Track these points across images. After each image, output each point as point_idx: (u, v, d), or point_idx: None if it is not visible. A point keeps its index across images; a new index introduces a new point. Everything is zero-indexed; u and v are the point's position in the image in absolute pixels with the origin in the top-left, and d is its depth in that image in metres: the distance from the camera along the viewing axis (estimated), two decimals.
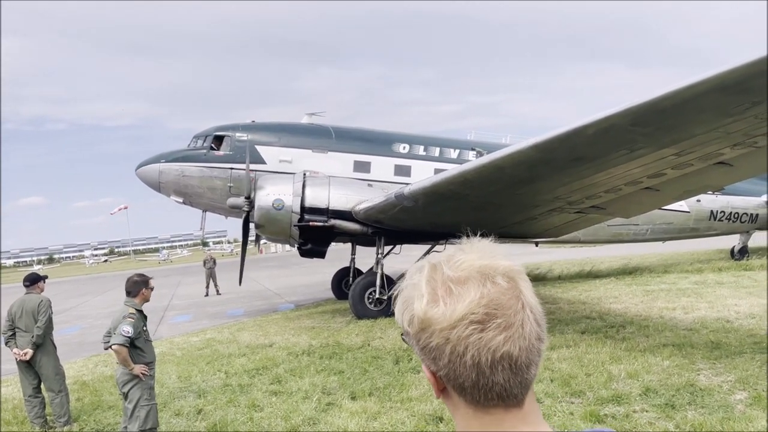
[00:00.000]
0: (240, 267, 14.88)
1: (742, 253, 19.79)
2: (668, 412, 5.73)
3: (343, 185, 12.87)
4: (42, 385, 7.05)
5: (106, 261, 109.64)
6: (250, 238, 14.79)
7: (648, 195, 10.04)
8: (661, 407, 5.87)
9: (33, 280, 7.21)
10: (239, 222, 13.67)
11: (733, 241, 20.22)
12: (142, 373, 5.50)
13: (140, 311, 5.64)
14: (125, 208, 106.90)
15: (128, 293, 5.70)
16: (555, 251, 29.26)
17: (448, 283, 0.97)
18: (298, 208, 12.23)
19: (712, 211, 17.46)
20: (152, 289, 5.88)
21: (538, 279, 18.36)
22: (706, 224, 17.63)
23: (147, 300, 5.79)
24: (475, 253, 1.00)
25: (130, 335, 5.36)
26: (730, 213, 17.78)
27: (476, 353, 0.93)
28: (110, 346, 5.40)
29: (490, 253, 1.00)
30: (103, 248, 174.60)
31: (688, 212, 17.08)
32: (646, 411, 5.82)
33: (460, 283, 0.96)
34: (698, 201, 16.83)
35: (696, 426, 5.32)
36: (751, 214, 18.01)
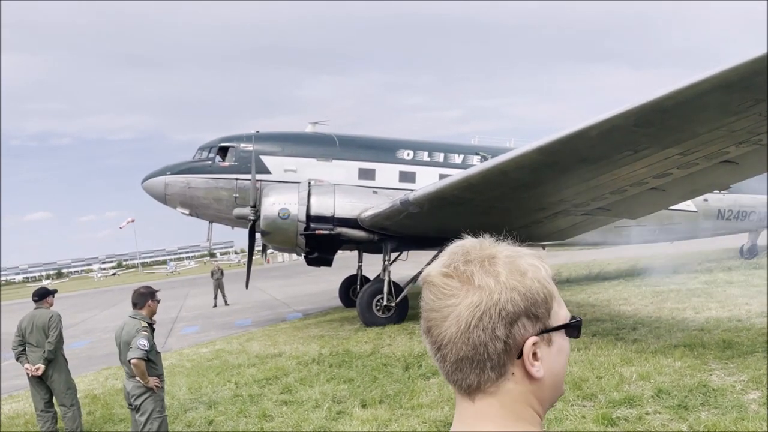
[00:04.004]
0: (246, 275, 15.04)
1: (752, 251, 19.66)
2: (681, 414, 5.68)
3: (348, 193, 12.90)
4: (54, 400, 7.08)
5: (114, 274, 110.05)
6: (256, 248, 14.87)
7: (654, 195, 10.01)
8: (674, 408, 5.82)
9: (42, 295, 7.24)
10: (246, 232, 13.73)
11: (743, 239, 20.09)
12: (155, 386, 5.52)
13: (150, 324, 5.66)
14: (132, 221, 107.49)
15: (134, 305, 5.73)
16: (562, 254, 29.13)
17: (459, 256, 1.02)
18: (303, 217, 12.26)
19: (719, 210, 17.37)
20: (158, 301, 5.89)
21: None
22: (714, 223, 17.53)
23: (154, 312, 5.80)
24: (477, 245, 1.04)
25: (147, 348, 5.39)
26: (738, 211, 17.68)
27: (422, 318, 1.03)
28: (128, 360, 5.41)
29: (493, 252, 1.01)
30: (111, 261, 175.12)
31: (696, 212, 16.99)
32: (659, 413, 5.78)
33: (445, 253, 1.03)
34: (705, 200, 16.75)
35: (709, 427, 5.28)
36: (760, 212, 17.89)
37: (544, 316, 0.98)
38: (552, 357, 0.99)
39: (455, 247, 1.03)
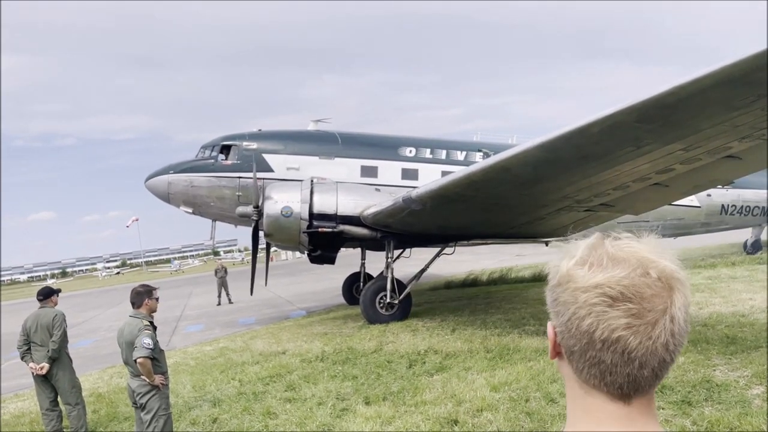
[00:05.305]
0: (251, 276, 14.95)
1: (755, 246, 19.62)
2: (685, 409, 5.69)
3: (351, 190, 12.91)
4: (59, 398, 7.12)
5: (118, 273, 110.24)
6: (260, 246, 14.85)
7: (657, 191, 9.99)
8: (678, 404, 5.83)
9: (46, 294, 7.28)
10: (249, 230, 13.74)
11: (746, 234, 20.04)
12: (160, 383, 5.55)
13: (151, 322, 5.69)
14: (136, 220, 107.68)
15: (133, 304, 5.78)
16: None
17: (603, 256, 0.98)
18: (306, 215, 12.28)
19: (723, 205, 17.32)
20: (157, 299, 5.90)
21: None
22: (718, 218, 17.48)
23: (154, 311, 5.82)
24: (645, 245, 1.01)
25: (152, 347, 5.42)
26: (742, 206, 17.62)
27: (595, 323, 0.95)
28: (134, 360, 5.44)
29: (660, 251, 1.00)
30: (116, 260, 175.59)
31: (699, 207, 16.95)
32: (663, 408, 5.78)
33: (614, 260, 0.97)
34: (708, 195, 16.70)
35: (713, 422, 5.28)
36: (763, 207, 17.83)
37: None
38: None
39: (626, 247, 1.00)
